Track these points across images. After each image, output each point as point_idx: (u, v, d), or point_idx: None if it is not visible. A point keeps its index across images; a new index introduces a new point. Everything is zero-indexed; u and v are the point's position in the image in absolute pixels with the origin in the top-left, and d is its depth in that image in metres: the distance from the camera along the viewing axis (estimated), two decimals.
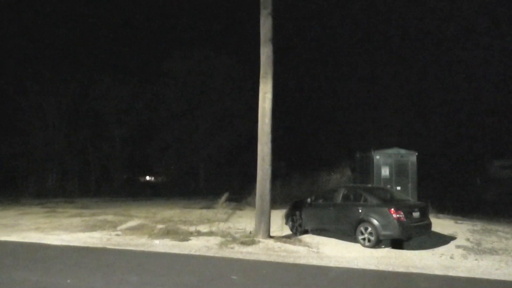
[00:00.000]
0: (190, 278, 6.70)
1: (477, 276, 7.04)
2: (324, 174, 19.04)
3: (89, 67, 34.04)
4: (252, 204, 14.88)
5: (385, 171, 15.01)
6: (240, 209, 16.12)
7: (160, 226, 11.78)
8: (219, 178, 32.88)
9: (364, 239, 9.26)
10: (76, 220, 13.30)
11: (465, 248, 9.14)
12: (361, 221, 9.39)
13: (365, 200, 9.71)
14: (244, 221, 12.46)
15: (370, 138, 33.45)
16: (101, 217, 13.87)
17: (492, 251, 8.86)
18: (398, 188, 14.64)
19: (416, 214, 9.34)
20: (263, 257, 8.31)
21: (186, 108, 33.65)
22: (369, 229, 9.19)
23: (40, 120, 31.63)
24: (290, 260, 8.12)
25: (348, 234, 9.76)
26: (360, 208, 9.59)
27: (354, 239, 9.50)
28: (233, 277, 6.78)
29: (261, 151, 10.22)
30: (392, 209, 9.01)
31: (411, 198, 13.27)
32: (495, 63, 38.05)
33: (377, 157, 15.13)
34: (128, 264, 7.74)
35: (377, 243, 9.13)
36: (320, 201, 10.84)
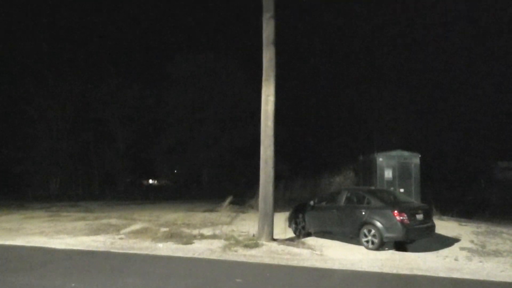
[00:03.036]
0: (194, 281, 6.70)
1: (481, 278, 7.01)
2: (327, 176, 19.03)
3: (93, 72, 34.27)
4: (255, 207, 14.89)
5: (388, 173, 14.98)
6: (243, 212, 16.11)
7: (163, 229, 11.80)
8: (222, 181, 32.92)
9: (367, 241, 9.24)
10: (80, 224, 13.34)
11: (469, 250, 9.10)
12: (364, 223, 9.36)
13: (369, 203, 9.69)
14: (247, 224, 12.46)
15: (373, 141, 33.42)
16: (104, 221, 13.91)
17: (497, 253, 8.82)
18: (402, 190, 14.60)
19: (419, 216, 9.31)
20: (267, 260, 8.31)
21: (189, 111, 33.75)
22: (373, 231, 9.17)
23: (44, 125, 31.81)
24: (294, 263, 8.11)
25: (352, 236, 9.74)
26: (363, 210, 9.57)
27: (358, 242, 9.48)
28: (237, 280, 6.78)
29: (264, 154, 10.23)
30: (396, 211, 8.98)
31: (414, 200, 13.22)
32: (499, 65, 37.95)
33: (380, 159, 15.11)
34: (132, 267, 7.76)
35: (381, 246, 9.10)
36: (323, 203, 10.83)
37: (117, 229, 12.29)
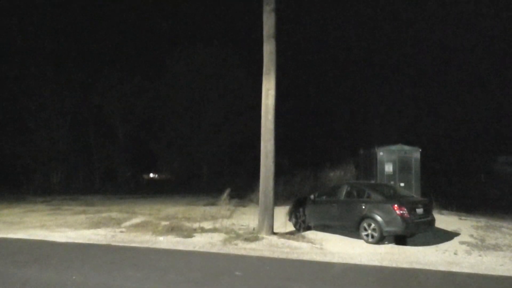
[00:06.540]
0: (194, 274, 6.74)
1: (481, 272, 7.04)
2: (328, 170, 19.02)
3: (92, 65, 34.14)
4: (255, 201, 14.91)
5: (389, 168, 14.99)
6: (244, 206, 16.15)
7: (164, 223, 11.84)
8: (222, 175, 32.95)
9: (367, 235, 9.27)
10: (81, 217, 13.39)
11: (468, 244, 9.13)
12: (364, 217, 9.39)
13: (369, 197, 9.71)
14: (247, 218, 12.49)
15: (373, 135, 33.43)
16: (105, 214, 13.95)
17: (496, 247, 8.85)
18: (402, 184, 14.62)
19: (419, 211, 9.33)
20: (267, 254, 8.35)
21: (189, 105, 33.70)
22: (373, 225, 9.20)
23: (44, 119, 31.77)
24: (294, 256, 8.15)
25: (352, 230, 9.77)
26: (363, 204, 9.59)
27: (358, 235, 9.51)
28: (237, 273, 6.81)
29: (264, 148, 10.24)
30: (396, 205, 9.00)
31: (414, 194, 13.24)
32: (499, 60, 37.80)
33: (381, 153, 15.11)
34: (133, 260, 7.79)
35: (381, 239, 9.13)
36: (324, 197, 10.86)
37: (118, 222, 12.34)
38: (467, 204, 16.84)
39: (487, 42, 38.90)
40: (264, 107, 10.31)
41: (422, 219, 9.34)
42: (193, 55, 32.88)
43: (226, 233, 10.18)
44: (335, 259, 7.88)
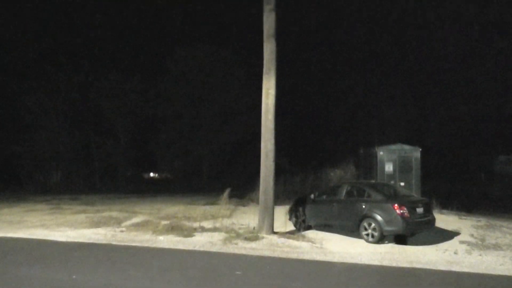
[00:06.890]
0: (195, 274, 6.74)
1: (481, 271, 7.04)
2: (328, 170, 19.01)
3: (93, 65, 34.10)
4: (255, 200, 14.92)
5: (389, 167, 14.99)
6: (244, 205, 16.15)
7: (164, 222, 11.84)
8: (222, 175, 32.94)
9: (367, 234, 9.27)
10: (81, 217, 13.38)
11: (469, 243, 9.13)
12: (364, 217, 9.39)
13: (369, 196, 9.71)
14: (247, 217, 12.49)
15: (373, 134, 33.44)
16: (105, 214, 13.95)
17: (496, 247, 8.84)
18: (402, 184, 14.62)
19: (419, 210, 9.33)
20: (267, 253, 8.35)
21: (190, 104, 33.70)
22: (373, 224, 9.20)
23: (44, 118, 31.76)
24: (294, 255, 8.15)
25: (352, 230, 9.77)
26: (363, 204, 9.59)
27: (358, 235, 9.51)
28: (237, 272, 6.82)
29: (265, 148, 10.23)
30: (396, 205, 9.00)
31: (414, 194, 13.24)
32: (500, 58, 37.79)
33: (381, 153, 15.10)
34: (133, 260, 7.80)
35: (381, 239, 9.13)
36: (324, 197, 10.85)
37: (118, 222, 12.34)
38: (467, 203, 16.81)
39: (487, 42, 38.88)
40: (264, 106, 10.30)
41: (422, 219, 9.34)
42: (193, 55, 32.86)
43: (226, 232, 10.19)
44: (336, 259, 7.88)
